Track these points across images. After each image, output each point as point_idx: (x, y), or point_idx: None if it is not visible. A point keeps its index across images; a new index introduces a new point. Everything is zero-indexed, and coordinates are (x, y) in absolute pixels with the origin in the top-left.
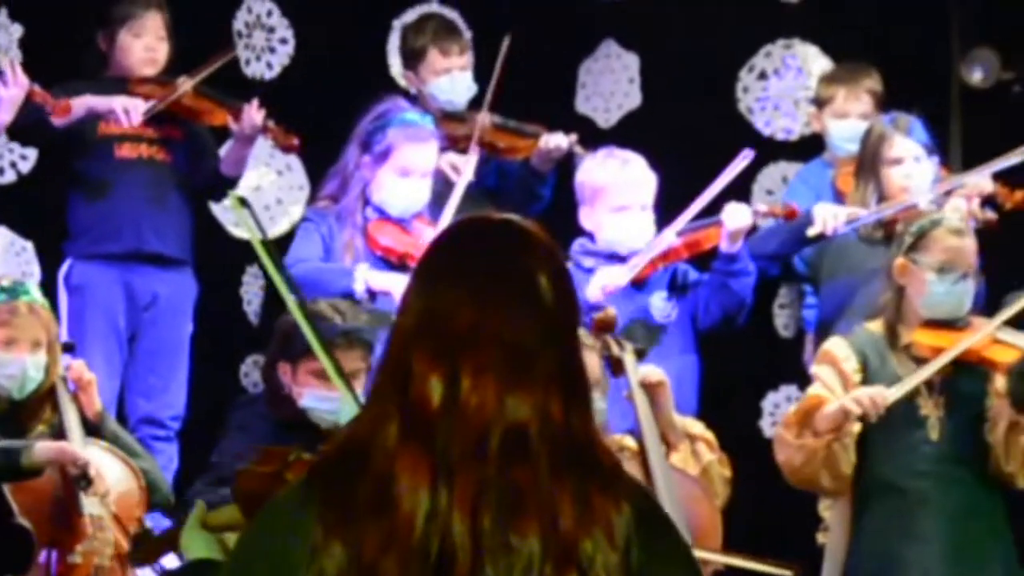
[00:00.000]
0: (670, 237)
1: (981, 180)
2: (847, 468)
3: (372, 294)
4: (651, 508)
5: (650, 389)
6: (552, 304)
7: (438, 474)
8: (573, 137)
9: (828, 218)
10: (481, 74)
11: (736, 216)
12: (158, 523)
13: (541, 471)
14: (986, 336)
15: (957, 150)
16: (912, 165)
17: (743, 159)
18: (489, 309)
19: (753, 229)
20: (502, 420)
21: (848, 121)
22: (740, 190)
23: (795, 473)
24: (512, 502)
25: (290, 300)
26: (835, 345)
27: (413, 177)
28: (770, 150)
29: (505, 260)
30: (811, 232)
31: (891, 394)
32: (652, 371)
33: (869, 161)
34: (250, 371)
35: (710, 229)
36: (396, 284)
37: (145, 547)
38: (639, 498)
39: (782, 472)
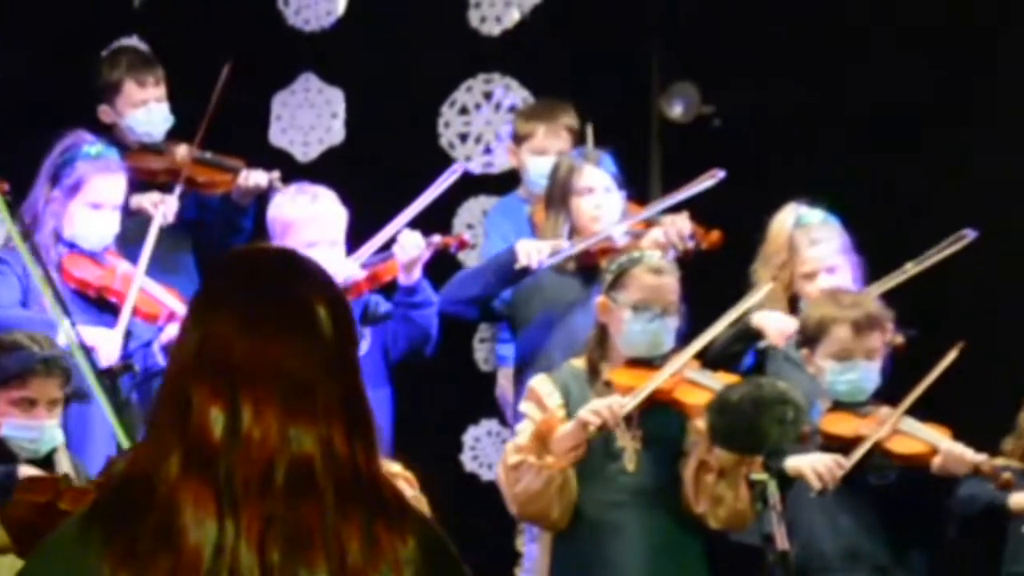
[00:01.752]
0: (353, 270)
1: (680, 221)
2: (575, 496)
3: None
4: (436, 541)
5: None
6: (331, 335)
7: (223, 507)
8: (275, 174)
9: (532, 252)
10: (177, 106)
11: (407, 247)
12: None
13: (327, 505)
14: (677, 375)
15: (657, 184)
16: (602, 196)
17: (451, 174)
18: (266, 339)
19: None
20: (286, 452)
21: (546, 158)
22: (441, 223)
23: (529, 503)
24: (300, 536)
25: None
26: (539, 382)
27: (104, 209)
28: (471, 184)
29: (281, 290)
30: (517, 267)
31: (626, 403)
32: None
33: (559, 193)
34: None
35: (390, 262)
36: (103, 341)
37: None
38: (424, 531)
39: (510, 505)
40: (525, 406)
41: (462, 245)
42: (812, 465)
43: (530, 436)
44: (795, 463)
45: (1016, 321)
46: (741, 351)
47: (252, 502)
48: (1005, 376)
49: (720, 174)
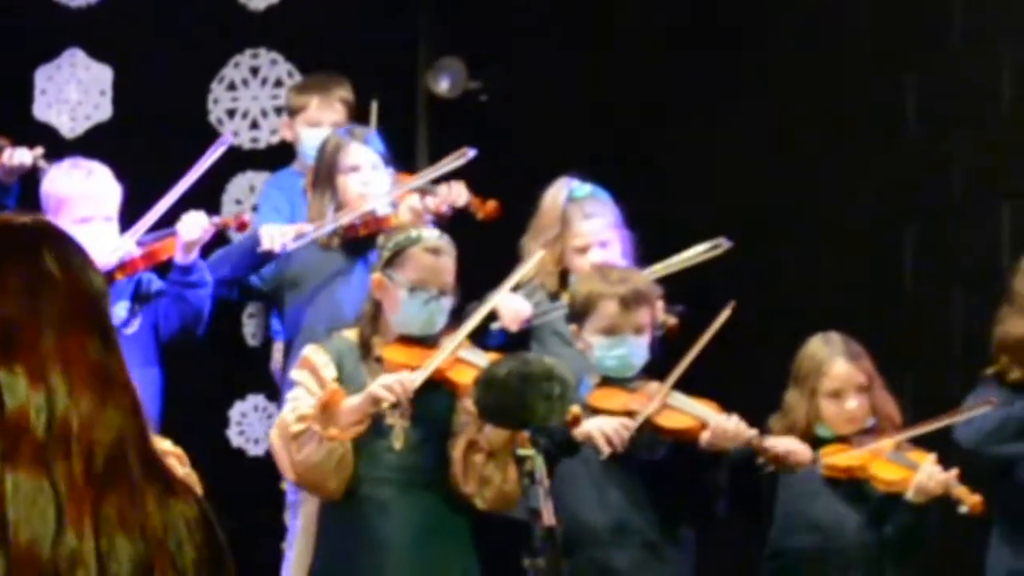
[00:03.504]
0: (129, 247)
1: (456, 191)
2: (351, 469)
3: None
4: (205, 513)
5: None
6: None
7: (55, 497)
8: (38, 151)
9: (276, 236)
10: None
11: (191, 227)
12: None
13: (135, 483)
14: (451, 354)
15: (424, 159)
16: (369, 173)
17: (220, 144)
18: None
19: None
20: (102, 437)
21: (321, 129)
22: (209, 200)
23: (309, 472)
24: (120, 518)
25: None
26: (314, 352)
27: None
28: (239, 160)
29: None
30: (260, 250)
31: (416, 378)
32: None
33: (326, 170)
34: None
35: (167, 240)
36: None
37: None
38: (198, 504)
39: (287, 472)
40: (298, 374)
41: (242, 226)
42: (600, 429)
43: (316, 405)
44: (583, 428)
45: (782, 301)
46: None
47: (79, 491)
48: (773, 353)
49: (470, 153)
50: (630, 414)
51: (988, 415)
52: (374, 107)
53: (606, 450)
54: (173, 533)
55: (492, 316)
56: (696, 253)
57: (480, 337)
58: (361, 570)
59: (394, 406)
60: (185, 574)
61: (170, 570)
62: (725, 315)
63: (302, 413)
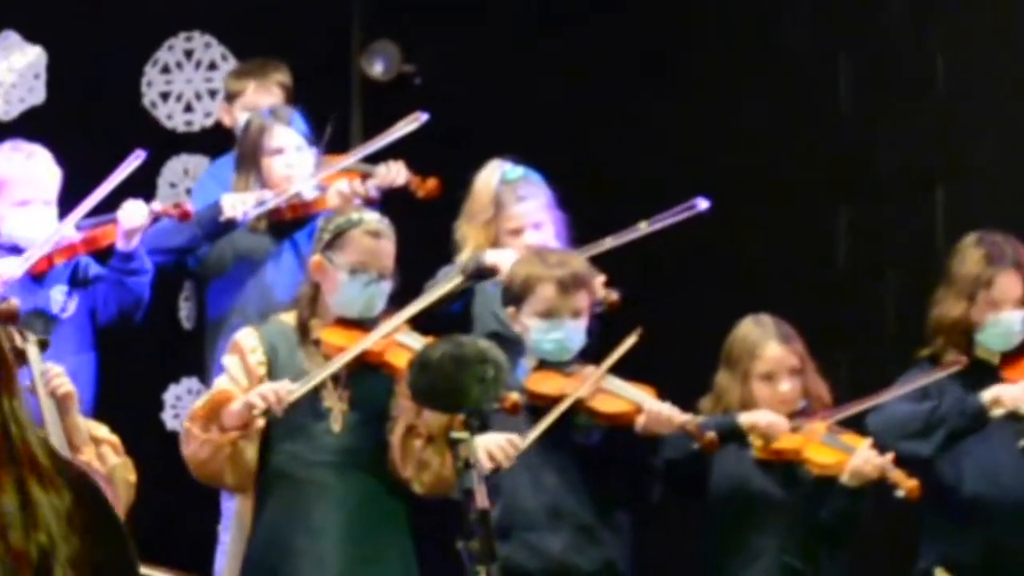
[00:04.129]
0: (67, 232)
1: (395, 170)
2: (251, 464)
3: None
4: (91, 492)
5: (58, 399)
6: None
7: None
8: None
9: (237, 204)
10: None
11: (133, 214)
12: None
13: None
14: (388, 337)
15: (358, 140)
16: (294, 155)
17: (135, 159)
18: None
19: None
20: None
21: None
22: (144, 184)
23: (200, 468)
24: None
25: None
26: (244, 336)
27: None
28: (173, 143)
29: None
30: (222, 219)
31: (294, 389)
32: (61, 383)
33: (250, 152)
34: None
35: (108, 226)
36: None
37: None
38: (79, 485)
39: (188, 466)
40: (228, 359)
41: (184, 215)
42: (485, 446)
43: (205, 403)
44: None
45: (715, 282)
46: (464, 291)
47: None
48: (705, 335)
49: (423, 117)
50: (565, 398)
51: (900, 407)
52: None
53: (487, 467)
54: (35, 516)
55: (487, 274)
56: (674, 213)
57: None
58: (297, 553)
59: (265, 413)
60: (67, 568)
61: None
62: (631, 341)
63: (193, 410)
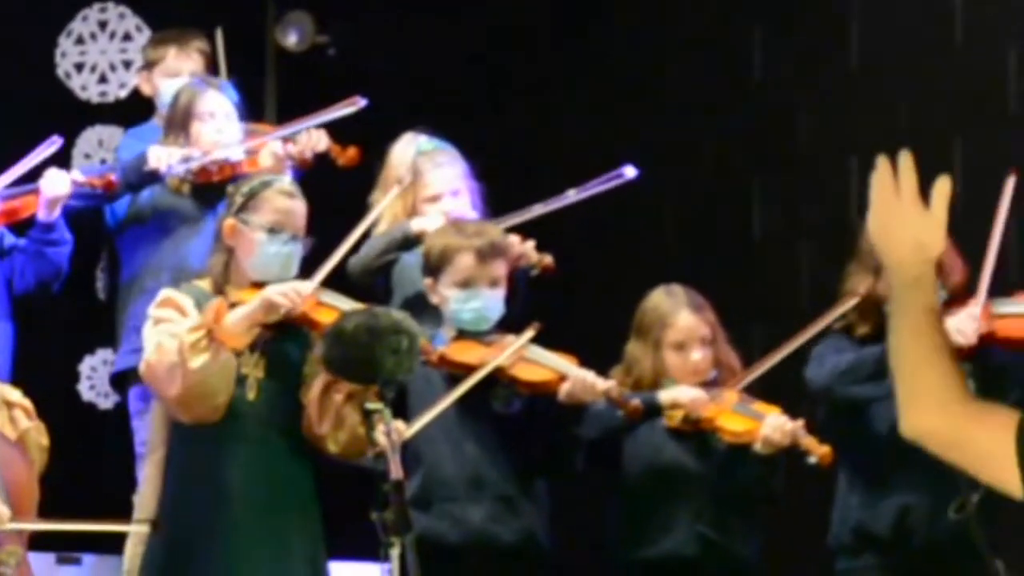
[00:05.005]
0: None
1: (316, 137)
2: (233, 389)
3: None
4: None
5: None
6: None
7: None
8: None
9: (163, 156)
10: None
11: (55, 184)
12: None
13: None
14: (313, 298)
15: (272, 110)
16: (223, 121)
17: (50, 144)
18: None
19: None
20: None
21: (179, 79)
22: (59, 153)
23: (201, 383)
24: None
25: None
26: (173, 293)
27: None
28: (87, 114)
29: None
30: (146, 169)
31: (308, 285)
32: None
33: (180, 118)
34: None
35: (28, 197)
36: None
37: None
38: None
39: (174, 388)
40: (161, 311)
41: (108, 185)
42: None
43: (208, 315)
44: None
45: (628, 251)
46: (393, 261)
47: None
48: (618, 304)
49: (361, 102)
50: (484, 366)
51: (843, 356)
52: (219, 34)
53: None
54: None
55: (412, 243)
56: (602, 181)
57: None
58: (207, 519)
59: (288, 312)
60: None
61: None
62: (529, 334)
63: (193, 325)
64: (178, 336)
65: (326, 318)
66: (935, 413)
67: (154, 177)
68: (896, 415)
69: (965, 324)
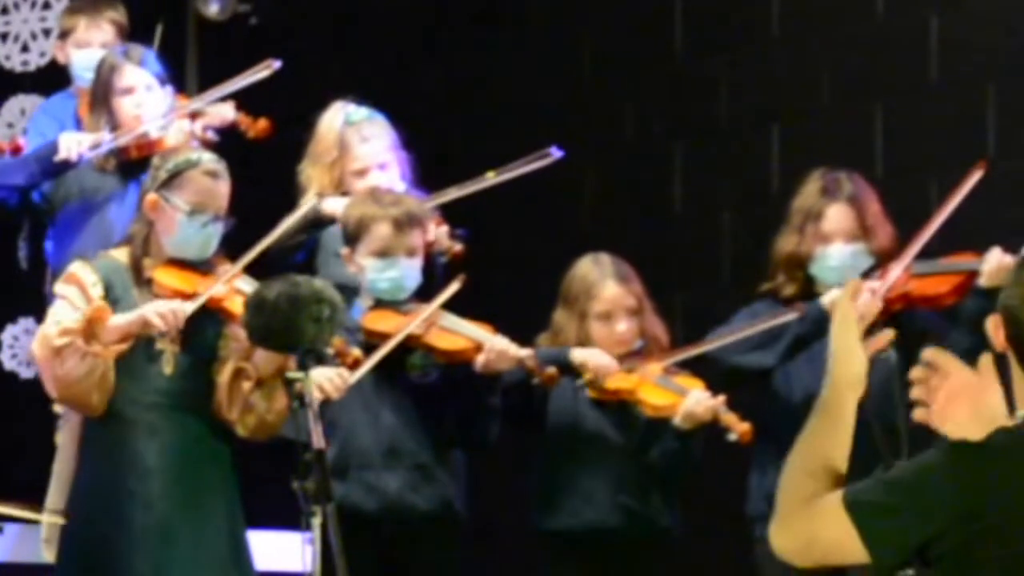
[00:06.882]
0: None
1: (223, 109)
2: (113, 386)
3: None
4: None
5: None
6: None
7: None
8: None
9: (72, 145)
10: None
11: None
12: None
13: None
14: (229, 283)
15: (194, 80)
16: (144, 94)
17: None
18: None
19: None
20: None
21: (90, 50)
22: None
23: (70, 387)
24: None
25: None
26: (80, 269)
27: None
28: (10, 83)
29: None
30: (56, 159)
31: (188, 307)
32: None
33: (101, 92)
34: None
35: None
36: None
37: None
38: None
39: (50, 387)
40: (64, 288)
41: (16, 150)
42: (316, 380)
43: (81, 320)
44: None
45: (551, 221)
46: (304, 241)
47: None
48: (541, 274)
49: (276, 64)
50: (391, 335)
51: (737, 325)
52: (158, 30)
53: (317, 398)
54: None
55: (324, 224)
56: (526, 162)
57: None
58: (124, 493)
59: (163, 335)
60: None
61: None
62: (454, 288)
63: (66, 327)
64: (49, 337)
65: (237, 306)
66: (782, 534)
67: (67, 166)
68: (808, 382)
69: (865, 307)
